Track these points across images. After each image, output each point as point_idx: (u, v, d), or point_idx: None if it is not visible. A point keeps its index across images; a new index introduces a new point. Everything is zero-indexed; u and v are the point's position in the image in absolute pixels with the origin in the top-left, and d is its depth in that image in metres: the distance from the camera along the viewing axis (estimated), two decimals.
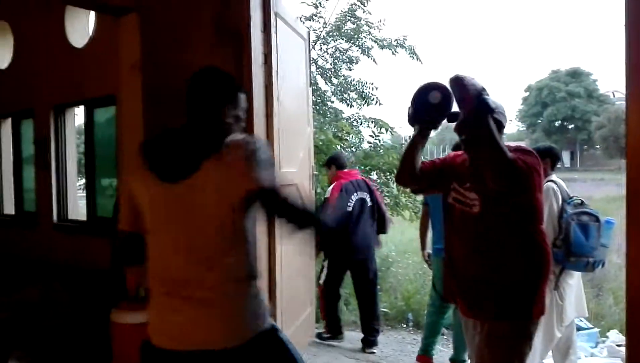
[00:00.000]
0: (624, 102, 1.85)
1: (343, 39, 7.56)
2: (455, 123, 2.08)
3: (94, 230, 4.65)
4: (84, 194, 5.07)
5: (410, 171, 2.23)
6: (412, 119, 2.17)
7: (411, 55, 7.51)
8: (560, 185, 3.39)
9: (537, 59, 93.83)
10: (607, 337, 4.34)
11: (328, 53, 7.64)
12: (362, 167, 6.61)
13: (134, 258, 1.75)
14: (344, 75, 7.65)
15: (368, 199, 4.37)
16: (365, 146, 7.28)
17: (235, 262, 1.58)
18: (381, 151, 6.94)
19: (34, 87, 5.16)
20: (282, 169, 3.13)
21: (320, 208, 1.75)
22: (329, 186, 4.47)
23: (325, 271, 4.45)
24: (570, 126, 42.43)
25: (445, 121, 2.15)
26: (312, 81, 6.66)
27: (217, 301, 1.55)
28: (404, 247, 7.92)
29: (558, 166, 3.66)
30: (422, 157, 2.29)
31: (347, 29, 7.48)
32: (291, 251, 3.33)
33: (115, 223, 4.04)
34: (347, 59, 7.62)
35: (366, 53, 7.50)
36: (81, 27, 4.90)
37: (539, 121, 43.90)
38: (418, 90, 2.15)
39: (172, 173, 1.59)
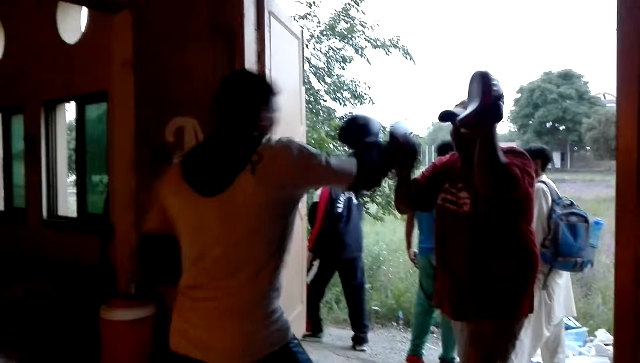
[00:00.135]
0: (615, 105, 1.86)
1: (337, 38, 7.57)
2: (454, 120, 2.07)
3: (84, 226, 4.63)
4: (74, 191, 5.04)
5: (405, 199, 2.24)
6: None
7: (404, 55, 7.53)
8: (550, 186, 3.42)
9: (530, 60, 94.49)
10: (595, 336, 4.38)
11: (321, 52, 7.65)
12: None
13: (155, 259, 1.71)
14: (337, 74, 7.67)
15: (354, 198, 4.42)
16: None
17: (264, 275, 1.51)
18: None
19: (25, 83, 5.12)
20: None
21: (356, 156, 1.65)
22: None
23: (314, 270, 4.48)
24: (561, 128, 42.74)
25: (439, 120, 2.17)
26: (306, 80, 6.66)
27: (237, 314, 1.50)
28: (395, 246, 7.94)
29: (548, 166, 3.69)
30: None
31: (341, 29, 7.49)
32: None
33: (105, 220, 4.05)
34: (341, 58, 7.63)
35: (359, 52, 7.52)
36: (73, 23, 4.86)
37: (530, 122, 44.18)
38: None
39: (207, 187, 1.52)
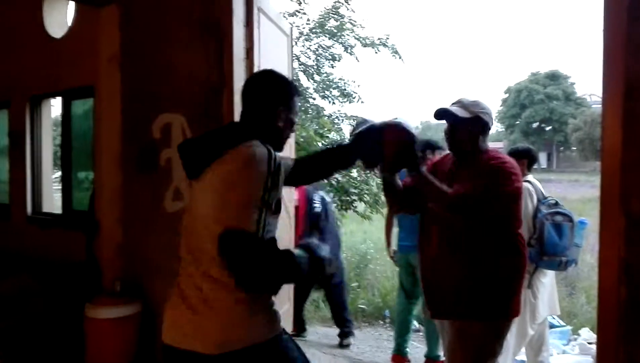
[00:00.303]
0: (600, 106, 1.88)
1: (326, 36, 7.55)
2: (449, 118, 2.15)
3: (70, 223, 4.58)
4: (60, 187, 4.98)
5: (395, 199, 2.26)
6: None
7: (393, 54, 7.54)
8: (535, 185, 3.45)
9: (517, 61, 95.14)
10: (579, 335, 4.43)
11: (311, 50, 7.63)
12: None
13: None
14: (326, 72, 7.65)
15: (327, 196, 4.48)
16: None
17: (228, 273, 1.46)
18: None
19: (10, 78, 5.04)
20: None
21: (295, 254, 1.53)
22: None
23: None
24: (547, 128, 43.13)
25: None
26: (295, 78, 6.64)
27: (202, 307, 1.50)
28: (382, 244, 7.93)
29: (535, 166, 3.72)
30: None
31: (330, 26, 7.48)
32: None
33: (91, 216, 4.00)
34: (330, 56, 7.62)
35: (349, 51, 7.51)
36: (60, 17, 4.80)
37: (517, 122, 44.55)
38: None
39: (189, 170, 1.60)
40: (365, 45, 7.46)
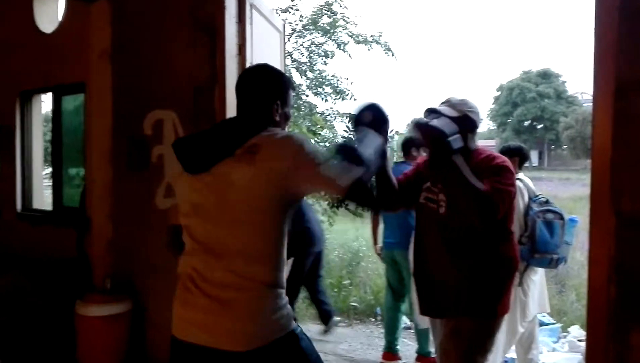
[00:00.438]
0: (591, 104, 1.89)
1: (319, 33, 7.56)
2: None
3: (60, 219, 4.55)
4: (50, 184, 4.94)
5: (387, 195, 2.20)
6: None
7: (386, 51, 7.55)
8: (526, 183, 3.46)
9: (509, 59, 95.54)
10: (568, 332, 4.46)
11: (304, 47, 7.64)
12: None
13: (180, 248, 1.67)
14: (319, 69, 7.65)
15: None
16: (339, 141, 7.30)
17: (257, 267, 1.49)
18: None
19: (0, 73, 4.99)
20: None
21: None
22: None
23: (288, 268, 4.47)
24: (539, 126, 43.33)
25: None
26: (288, 74, 6.62)
27: (226, 303, 1.48)
28: None
29: (526, 164, 3.73)
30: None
31: (323, 23, 7.48)
32: None
33: (82, 213, 3.97)
34: (323, 53, 7.62)
35: (342, 48, 7.51)
36: (50, 12, 4.75)
37: (509, 120, 44.70)
38: (353, 115, 2.03)
39: (192, 165, 1.55)
40: (358, 42, 7.48)
